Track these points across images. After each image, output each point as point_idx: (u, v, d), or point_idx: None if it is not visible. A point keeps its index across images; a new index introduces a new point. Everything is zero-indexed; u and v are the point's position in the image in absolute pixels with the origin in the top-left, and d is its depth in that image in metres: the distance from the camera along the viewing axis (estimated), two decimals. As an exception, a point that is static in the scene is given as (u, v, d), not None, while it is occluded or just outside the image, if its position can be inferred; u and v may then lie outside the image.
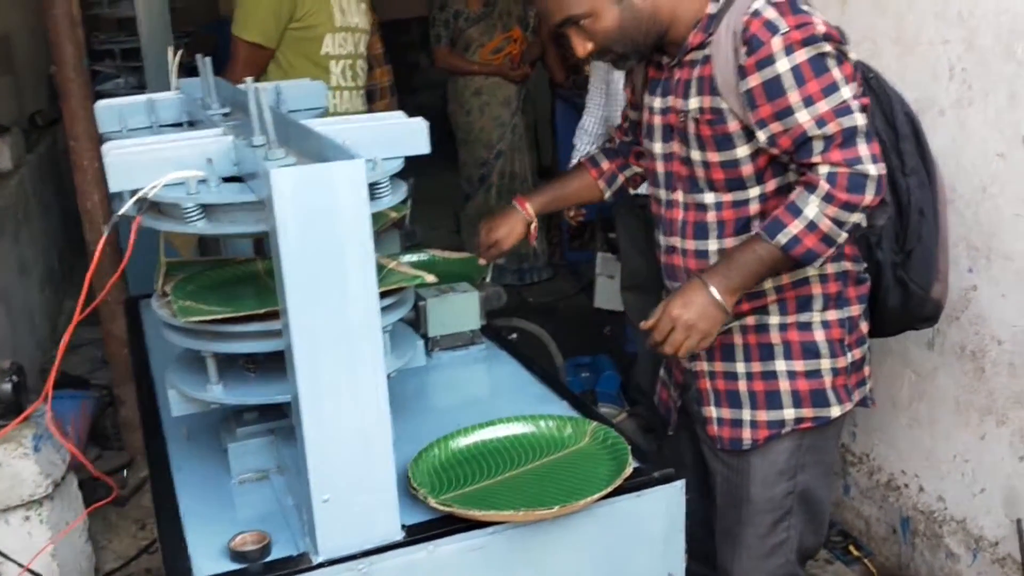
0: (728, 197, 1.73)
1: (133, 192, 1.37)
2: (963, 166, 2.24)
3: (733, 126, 1.65)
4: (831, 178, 1.57)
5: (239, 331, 1.41)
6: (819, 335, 1.77)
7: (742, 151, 1.68)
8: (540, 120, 5.67)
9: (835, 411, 1.80)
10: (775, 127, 1.60)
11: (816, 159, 1.58)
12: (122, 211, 1.37)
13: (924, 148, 1.84)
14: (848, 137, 1.57)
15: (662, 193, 1.83)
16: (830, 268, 1.77)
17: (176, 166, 1.39)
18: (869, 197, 1.58)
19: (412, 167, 1.57)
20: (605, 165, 2.08)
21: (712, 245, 1.76)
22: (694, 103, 1.68)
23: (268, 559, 1.34)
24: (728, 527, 1.87)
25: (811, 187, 1.58)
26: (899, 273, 1.86)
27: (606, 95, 3.11)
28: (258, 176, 1.29)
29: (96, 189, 3.12)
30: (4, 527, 2.45)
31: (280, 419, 1.59)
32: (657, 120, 1.79)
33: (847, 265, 1.79)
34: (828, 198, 1.57)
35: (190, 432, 1.74)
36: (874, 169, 1.57)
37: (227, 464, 1.58)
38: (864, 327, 1.84)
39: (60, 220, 5.26)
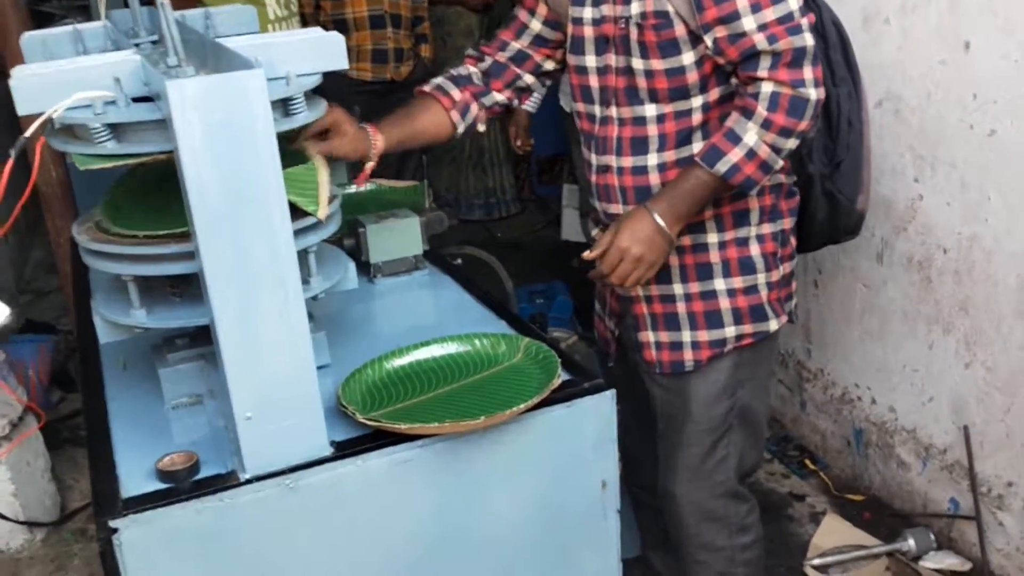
0: (670, 108, 1.69)
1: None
2: (908, 75, 2.22)
3: (679, 30, 1.61)
4: (772, 100, 1.54)
5: (157, 253, 1.39)
6: (755, 249, 1.76)
7: (688, 57, 1.63)
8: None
9: (773, 325, 1.80)
10: (720, 31, 1.56)
11: (762, 74, 1.55)
12: (27, 134, 1.34)
13: (850, 57, 1.82)
14: (796, 57, 1.55)
15: (596, 109, 1.78)
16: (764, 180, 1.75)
17: (84, 87, 1.36)
18: (806, 122, 1.57)
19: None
20: (457, 95, 1.85)
21: (652, 160, 1.72)
22: (636, 7, 1.62)
23: (196, 478, 1.35)
24: (669, 449, 1.88)
25: (748, 112, 1.56)
26: (827, 185, 1.85)
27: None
28: (162, 93, 1.26)
29: (38, 129, 3.06)
30: (-38, 469, 2.46)
31: (211, 344, 1.58)
32: (588, 32, 1.73)
33: (781, 178, 1.78)
34: (767, 124, 1.55)
35: (128, 362, 1.74)
36: (815, 94, 1.56)
37: (161, 390, 1.58)
38: (793, 241, 1.84)
39: (21, 171, 5.18)
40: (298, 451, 1.35)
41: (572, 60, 1.78)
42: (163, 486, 1.33)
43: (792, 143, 1.58)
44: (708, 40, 1.58)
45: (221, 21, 2.01)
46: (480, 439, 1.45)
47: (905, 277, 2.37)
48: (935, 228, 2.25)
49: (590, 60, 1.75)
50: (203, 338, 1.59)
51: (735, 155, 1.57)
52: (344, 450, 1.38)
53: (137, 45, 1.76)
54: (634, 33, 1.64)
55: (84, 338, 1.84)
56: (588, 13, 1.72)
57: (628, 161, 1.75)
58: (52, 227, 3.15)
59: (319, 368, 1.60)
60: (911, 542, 2.36)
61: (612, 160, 1.76)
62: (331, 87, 1.56)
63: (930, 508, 2.45)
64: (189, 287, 1.51)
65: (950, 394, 2.32)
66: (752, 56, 1.55)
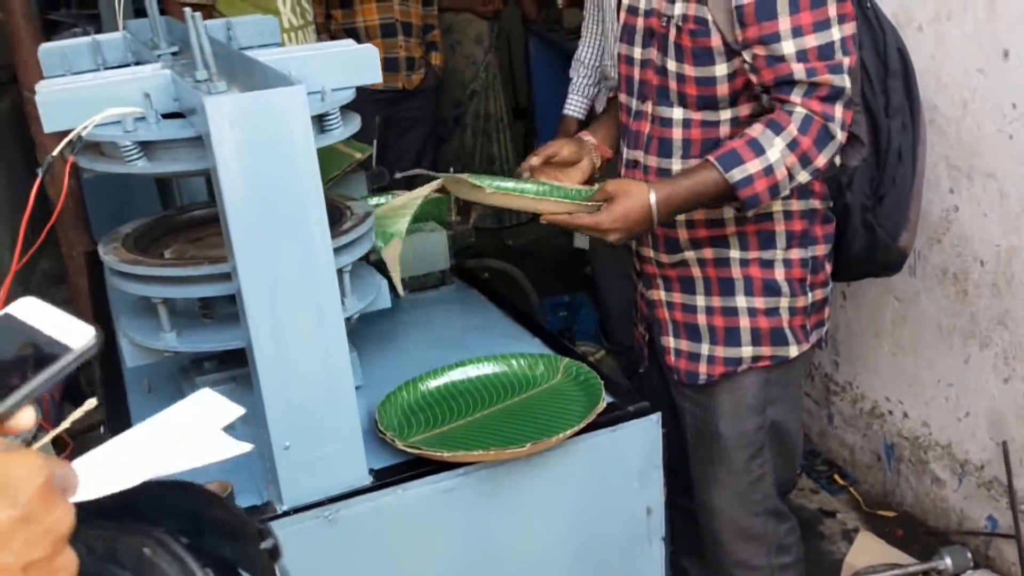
0: (698, 116, 1.64)
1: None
2: (943, 83, 2.17)
3: (715, 41, 1.56)
4: (805, 122, 1.49)
5: (189, 275, 1.34)
6: (780, 273, 1.71)
7: (720, 69, 1.58)
8: (514, 59, 5.55)
9: (792, 351, 1.74)
10: (758, 50, 1.51)
11: (795, 99, 1.50)
12: (56, 152, 1.29)
13: (912, 87, 1.77)
14: (832, 95, 1.50)
15: (633, 102, 1.73)
16: (796, 205, 1.69)
17: (112, 103, 1.31)
18: (824, 160, 1.52)
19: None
20: None
21: (675, 164, 1.67)
22: (679, 8, 1.58)
23: (231, 510, 1.30)
24: (700, 464, 1.84)
25: (778, 127, 1.50)
26: (868, 217, 1.79)
27: (601, 22, 2.97)
28: (197, 109, 1.21)
29: (53, 142, 3.01)
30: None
31: (241, 366, 1.53)
32: (640, 22, 1.67)
33: (815, 203, 1.72)
34: (793, 144, 1.50)
35: (152, 385, 1.69)
36: (840, 135, 1.53)
37: (189, 415, 1.53)
38: (828, 268, 1.78)
39: (29, 178, 5.14)
40: (337, 481, 1.30)
41: (623, 49, 1.72)
42: (197, 518, 1.28)
43: (804, 176, 1.53)
44: (747, 56, 1.54)
45: (243, 32, 1.96)
46: (522, 466, 1.40)
47: (939, 289, 2.32)
48: (972, 240, 2.20)
49: (637, 51, 1.70)
50: (232, 360, 1.54)
51: (753, 166, 1.51)
52: (384, 479, 1.33)
53: (158, 57, 1.72)
54: (673, 34, 1.60)
55: (106, 361, 1.79)
56: (643, 3, 1.67)
57: (654, 161, 1.70)
58: (64, 240, 3.10)
59: (352, 390, 1.57)
60: (948, 561, 2.31)
61: (640, 156, 1.72)
62: None
63: (966, 525, 2.39)
64: (220, 308, 1.46)
65: (987, 409, 2.27)
66: (788, 83, 1.51)
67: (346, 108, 1.60)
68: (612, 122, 1.85)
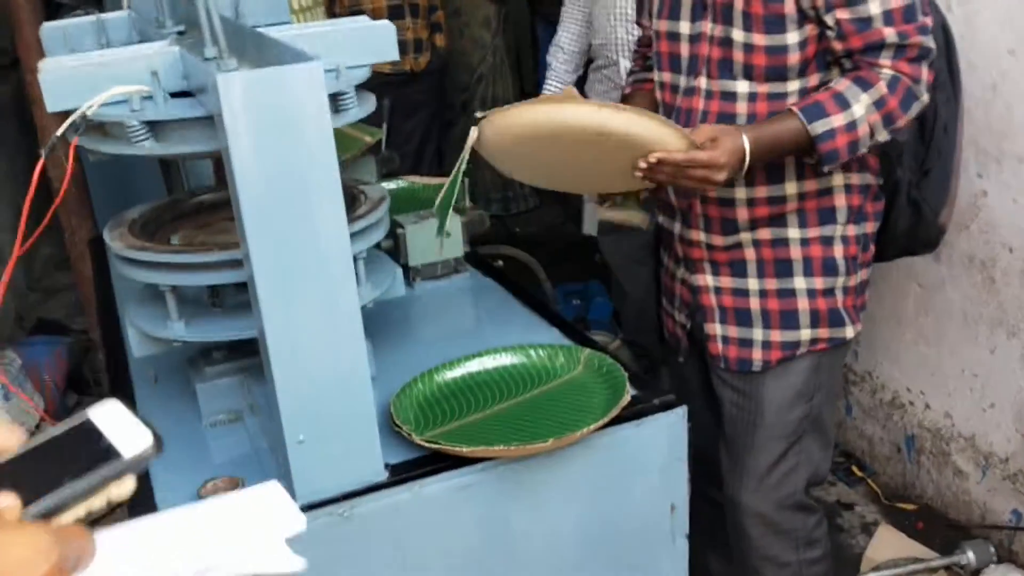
0: (764, 88, 1.57)
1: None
2: (972, 64, 2.11)
3: (789, 7, 1.51)
4: (893, 82, 1.48)
5: (198, 262, 1.28)
6: (839, 251, 1.67)
7: (792, 37, 1.53)
8: (521, 43, 5.47)
9: (849, 331, 1.70)
10: (842, 13, 1.48)
11: (884, 62, 1.49)
12: (60, 132, 1.24)
13: (954, 63, 1.74)
14: (921, 56, 1.50)
15: (681, 79, 1.65)
16: (855, 179, 1.66)
17: (119, 82, 1.25)
18: (907, 119, 1.51)
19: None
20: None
21: None
22: None
23: (242, 506, 1.24)
24: (737, 455, 1.79)
25: (866, 84, 1.48)
26: (913, 193, 1.75)
27: (587, 11, 2.90)
28: (207, 88, 1.16)
29: (56, 123, 2.95)
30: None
31: (251, 356, 1.48)
32: None
33: (870, 179, 1.68)
34: (880, 102, 1.48)
35: (159, 375, 1.63)
36: (926, 96, 1.52)
37: (197, 407, 1.48)
38: (873, 248, 1.74)
39: (29, 162, 5.08)
40: (352, 476, 1.25)
41: (664, 26, 1.66)
42: (207, 515, 1.23)
43: (884, 136, 1.51)
44: (829, 20, 1.50)
45: (250, 10, 1.90)
46: (543, 461, 1.34)
47: (966, 277, 2.26)
48: (1000, 226, 2.14)
49: (684, 26, 1.63)
50: (242, 350, 1.48)
51: (837, 120, 1.47)
52: (400, 474, 1.28)
53: (164, 36, 1.65)
54: (740, 2, 1.53)
55: (111, 349, 1.73)
56: None
57: None
58: (67, 225, 3.05)
59: (365, 381, 1.51)
60: (970, 555, 2.25)
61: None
62: None
63: (989, 519, 2.34)
64: (230, 297, 1.41)
65: (1014, 401, 2.21)
66: (878, 47, 1.48)
67: (359, 88, 1.55)
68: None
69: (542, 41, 5.07)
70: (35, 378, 2.82)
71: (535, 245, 4.62)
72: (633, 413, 1.39)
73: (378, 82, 4.00)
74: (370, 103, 1.40)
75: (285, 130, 1.09)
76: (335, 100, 1.33)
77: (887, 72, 1.48)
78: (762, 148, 1.49)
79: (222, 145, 1.10)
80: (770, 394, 1.71)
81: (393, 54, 1.39)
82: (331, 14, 3.56)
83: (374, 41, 1.39)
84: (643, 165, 1.44)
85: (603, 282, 3.12)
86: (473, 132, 1.56)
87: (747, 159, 1.48)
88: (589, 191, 1.68)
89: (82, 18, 1.87)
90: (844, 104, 1.47)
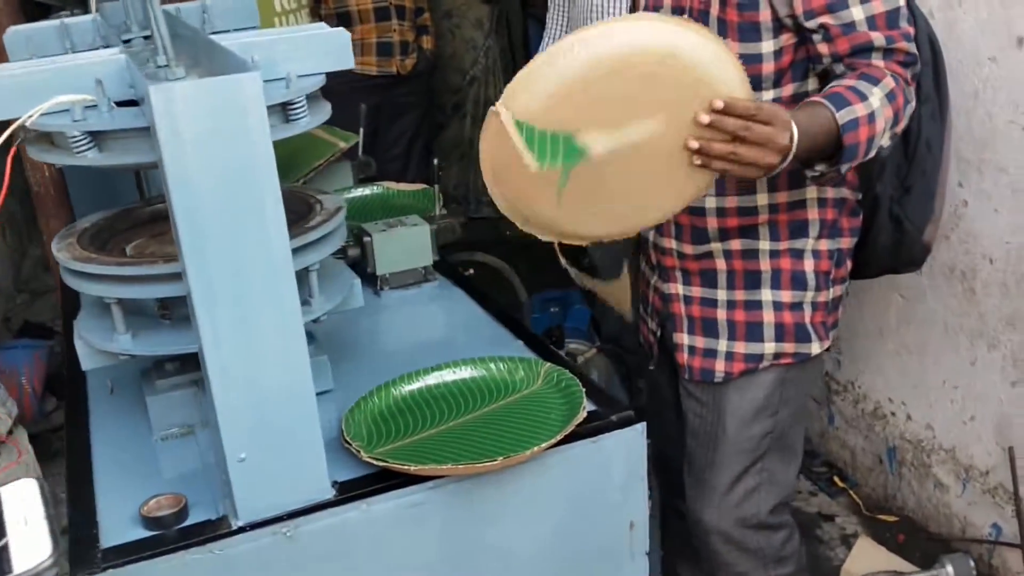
0: None
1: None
2: (953, 72, 2.06)
3: (764, 15, 1.47)
4: (895, 79, 1.43)
5: (142, 274, 1.26)
6: (809, 265, 1.64)
7: (767, 46, 1.50)
8: (515, 44, 5.44)
9: (815, 348, 1.67)
10: (826, 19, 1.44)
11: (878, 63, 1.44)
12: (-1, 142, 1.21)
13: (941, 77, 1.70)
14: (909, 62, 1.47)
15: None
16: (830, 192, 1.62)
17: (63, 90, 1.23)
18: (904, 122, 1.46)
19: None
20: None
21: None
22: None
23: (184, 524, 1.22)
24: (698, 470, 1.76)
25: (873, 79, 1.41)
26: (895, 209, 1.71)
27: (567, 14, 2.87)
28: (144, 98, 1.13)
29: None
30: (-52, 486, 2.34)
31: (204, 369, 1.45)
32: (666, 0, 1.58)
33: (846, 193, 1.65)
34: (891, 96, 1.41)
35: (118, 385, 1.61)
36: (914, 102, 1.49)
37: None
38: (849, 264, 1.70)
39: (21, 165, 5.06)
40: (297, 494, 1.22)
41: None
42: (147, 534, 1.21)
43: (887, 140, 1.43)
44: (812, 25, 1.45)
45: (219, 14, 1.87)
46: (496, 479, 1.31)
47: (947, 288, 2.23)
48: (981, 236, 2.11)
49: None
50: (195, 362, 1.45)
51: (860, 110, 1.38)
52: (347, 492, 1.25)
53: (128, 41, 1.63)
54: (715, 8, 1.50)
55: (71, 359, 1.71)
56: None
57: None
58: (45, 227, 3.03)
59: (321, 394, 1.48)
60: (949, 569, 2.22)
61: None
62: (336, 83, 1.44)
63: (970, 533, 2.31)
64: (180, 309, 1.38)
65: (994, 413, 2.18)
66: (866, 50, 1.44)
67: (338, 95, 1.51)
68: None
69: (534, 42, 5.04)
70: (13, 383, 2.80)
71: (527, 249, 4.59)
72: (590, 430, 1.36)
73: (364, 84, 3.99)
74: (324, 111, 1.37)
75: (222, 142, 1.06)
76: (286, 109, 1.30)
77: (885, 70, 1.45)
78: (806, 137, 1.32)
79: (156, 157, 1.07)
80: (731, 406, 1.68)
81: (348, 62, 1.36)
82: (317, 15, 3.54)
83: (329, 48, 1.36)
84: (705, 118, 1.25)
85: (582, 289, 3.10)
86: (501, 112, 1.27)
87: (794, 146, 1.30)
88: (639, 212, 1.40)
89: (46, 22, 1.85)
90: (861, 95, 1.38)
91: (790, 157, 1.32)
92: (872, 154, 1.44)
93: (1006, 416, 2.14)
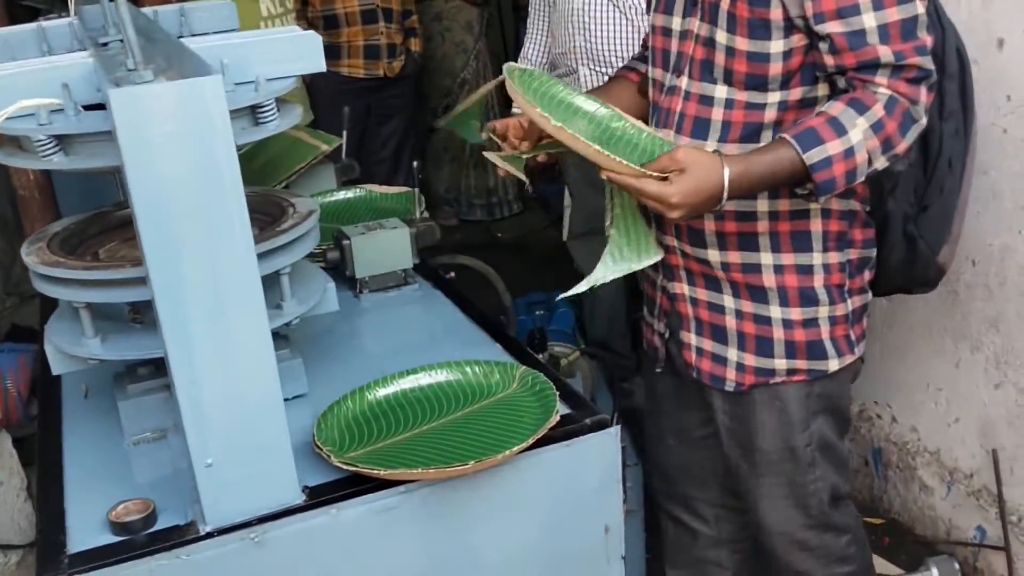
0: (743, 96, 1.49)
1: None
2: (934, 74, 2.07)
3: (775, 13, 1.42)
4: (891, 104, 1.37)
5: (109, 278, 1.25)
6: (819, 280, 1.56)
7: (776, 46, 1.45)
8: (507, 46, 5.44)
9: (833, 364, 1.60)
10: (835, 26, 1.38)
11: (880, 81, 1.38)
12: (-37, 147, 1.20)
13: (967, 92, 1.62)
14: (919, 77, 1.39)
15: (666, 77, 1.59)
16: (836, 204, 1.55)
17: (30, 94, 1.22)
18: (905, 145, 1.40)
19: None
20: (643, 68, 1.71)
21: (710, 147, 1.49)
22: None
23: (152, 530, 1.21)
24: (745, 477, 1.71)
25: (862, 106, 1.37)
26: (909, 228, 1.65)
27: (548, 20, 2.86)
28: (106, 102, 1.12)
29: None
30: (-70, 490, 2.33)
31: (177, 374, 1.44)
32: None
33: (855, 205, 1.58)
34: (878, 126, 1.37)
35: (91, 390, 1.60)
36: (924, 120, 1.41)
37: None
38: (867, 275, 1.64)
39: (7, 168, 5.05)
40: (265, 499, 1.22)
41: (659, 20, 1.59)
42: (115, 539, 1.20)
43: (882, 163, 1.40)
44: (821, 32, 1.40)
45: (197, 18, 1.87)
46: (469, 483, 1.31)
47: (930, 290, 2.22)
48: (963, 239, 2.08)
49: (676, 22, 1.56)
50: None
51: (834, 148, 1.35)
52: (317, 497, 1.25)
53: (105, 45, 1.62)
54: (726, 2, 1.46)
55: (44, 363, 1.70)
56: None
57: (685, 141, 1.54)
58: (30, 231, 3.01)
59: (295, 398, 1.48)
60: (934, 571, 2.22)
61: (670, 136, 1.56)
62: (323, 85, 1.43)
63: (955, 535, 2.30)
64: (150, 313, 1.37)
65: (978, 416, 2.17)
66: (872, 67, 1.39)
67: (326, 98, 1.51)
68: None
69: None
70: (-2, 386, 2.80)
71: (518, 251, 4.59)
72: (563, 433, 1.36)
73: (351, 87, 3.98)
74: (294, 115, 1.37)
75: (184, 145, 1.06)
76: (255, 112, 1.30)
77: (883, 92, 1.38)
78: (751, 180, 1.38)
79: (118, 161, 1.06)
80: (761, 421, 1.64)
81: (319, 65, 1.36)
82: (303, 18, 3.53)
83: (300, 51, 1.36)
84: (603, 176, 1.38)
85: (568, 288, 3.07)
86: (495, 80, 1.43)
87: (724, 195, 1.36)
88: None
89: (24, 26, 1.84)
90: (840, 130, 1.36)
91: (715, 210, 1.40)
92: (860, 181, 1.42)
93: (989, 418, 2.14)
